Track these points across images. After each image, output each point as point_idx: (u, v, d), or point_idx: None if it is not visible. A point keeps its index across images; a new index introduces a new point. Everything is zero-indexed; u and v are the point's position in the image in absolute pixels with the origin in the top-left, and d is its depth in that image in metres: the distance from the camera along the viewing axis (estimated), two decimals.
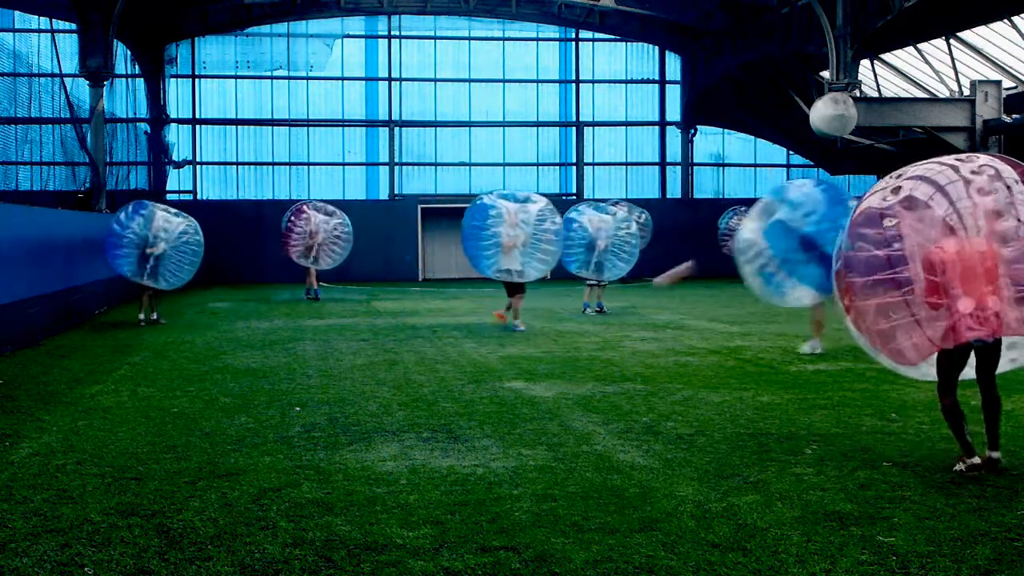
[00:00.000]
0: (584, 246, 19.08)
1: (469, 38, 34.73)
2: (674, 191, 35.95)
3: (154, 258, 16.90)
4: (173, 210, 17.86)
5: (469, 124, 34.84)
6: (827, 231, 11.78)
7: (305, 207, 24.30)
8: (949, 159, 6.90)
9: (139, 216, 17.05)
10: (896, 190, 6.74)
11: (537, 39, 35.06)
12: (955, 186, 6.61)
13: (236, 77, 33.58)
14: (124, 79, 28.83)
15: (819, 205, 12.37)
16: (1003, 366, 6.89)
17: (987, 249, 6.42)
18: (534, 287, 20.29)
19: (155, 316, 17.51)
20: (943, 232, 6.50)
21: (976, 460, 6.68)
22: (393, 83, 34.39)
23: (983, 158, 6.84)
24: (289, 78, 33.81)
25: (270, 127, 33.76)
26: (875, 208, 6.81)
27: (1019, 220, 6.43)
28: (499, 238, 16.06)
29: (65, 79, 22.12)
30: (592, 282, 19.49)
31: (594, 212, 19.67)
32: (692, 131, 35.75)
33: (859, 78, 25.23)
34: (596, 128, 35.49)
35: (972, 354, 6.79)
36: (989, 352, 6.75)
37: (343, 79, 34.22)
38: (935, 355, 6.71)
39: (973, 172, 6.63)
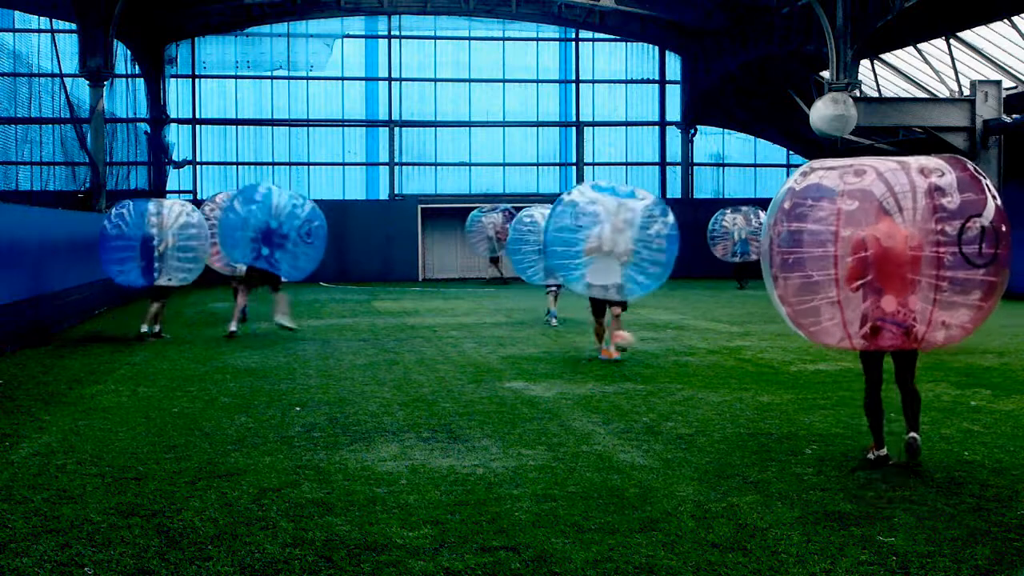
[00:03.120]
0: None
1: (469, 38, 34.73)
2: (674, 191, 35.96)
3: (161, 255, 14.87)
4: (167, 202, 15.79)
5: (469, 124, 34.84)
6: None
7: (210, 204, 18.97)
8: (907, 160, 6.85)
9: (139, 215, 14.98)
10: (860, 172, 6.68)
11: (537, 39, 35.06)
12: (895, 173, 6.62)
13: (236, 77, 33.59)
14: (124, 79, 28.80)
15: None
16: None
17: (918, 244, 6.43)
18: (534, 288, 20.23)
19: (158, 328, 15.28)
20: (877, 215, 6.51)
21: (884, 452, 6.93)
22: (393, 83, 34.40)
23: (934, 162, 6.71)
24: (289, 78, 33.81)
25: (270, 127, 33.77)
26: (827, 187, 6.69)
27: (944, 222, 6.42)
28: (594, 243, 12.39)
29: (65, 79, 22.09)
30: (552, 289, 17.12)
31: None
32: (692, 131, 35.76)
33: (859, 78, 25.23)
34: (596, 128, 35.50)
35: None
36: (905, 354, 6.87)
37: (343, 79, 34.22)
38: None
39: (922, 167, 6.63)
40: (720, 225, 28.76)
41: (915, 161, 6.69)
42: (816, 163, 6.98)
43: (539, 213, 16.76)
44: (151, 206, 15.26)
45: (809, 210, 6.67)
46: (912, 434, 6.91)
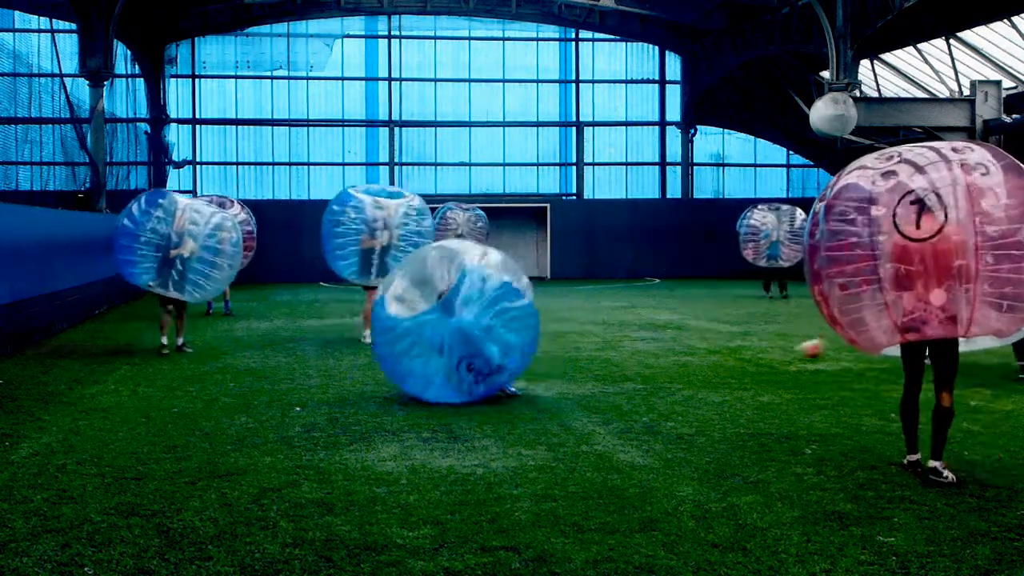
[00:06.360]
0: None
1: (469, 38, 34.73)
2: (674, 191, 35.95)
3: (180, 261, 12.96)
4: (199, 201, 14.04)
5: (469, 124, 34.84)
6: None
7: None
8: (938, 145, 6.63)
9: (157, 209, 13.11)
10: (887, 175, 6.44)
11: (537, 39, 35.05)
12: (936, 167, 6.35)
13: (236, 77, 33.58)
14: (124, 79, 28.81)
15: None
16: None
17: (960, 239, 6.14)
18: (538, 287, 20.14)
19: (180, 341, 13.56)
20: (915, 215, 6.23)
21: (915, 458, 6.78)
22: (393, 83, 34.40)
23: (976, 151, 6.45)
24: (289, 78, 33.81)
25: (270, 127, 33.76)
26: (862, 189, 6.45)
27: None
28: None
29: (65, 79, 22.10)
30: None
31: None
32: (692, 131, 35.75)
33: (859, 78, 25.23)
34: (596, 128, 35.49)
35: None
36: (945, 352, 6.46)
37: (343, 79, 34.22)
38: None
39: (955, 150, 6.39)
40: (747, 224, 24.35)
41: (956, 155, 6.38)
42: (854, 163, 6.73)
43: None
44: (171, 203, 13.22)
45: (845, 213, 6.45)
46: (933, 463, 6.51)
